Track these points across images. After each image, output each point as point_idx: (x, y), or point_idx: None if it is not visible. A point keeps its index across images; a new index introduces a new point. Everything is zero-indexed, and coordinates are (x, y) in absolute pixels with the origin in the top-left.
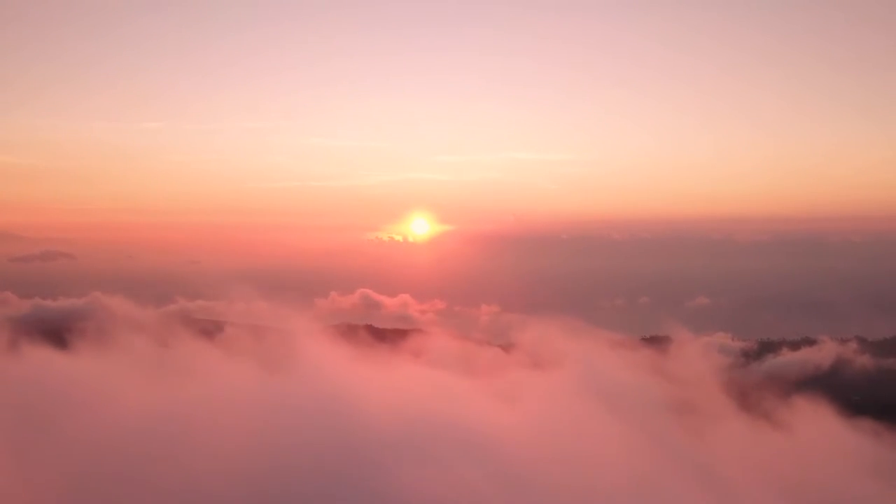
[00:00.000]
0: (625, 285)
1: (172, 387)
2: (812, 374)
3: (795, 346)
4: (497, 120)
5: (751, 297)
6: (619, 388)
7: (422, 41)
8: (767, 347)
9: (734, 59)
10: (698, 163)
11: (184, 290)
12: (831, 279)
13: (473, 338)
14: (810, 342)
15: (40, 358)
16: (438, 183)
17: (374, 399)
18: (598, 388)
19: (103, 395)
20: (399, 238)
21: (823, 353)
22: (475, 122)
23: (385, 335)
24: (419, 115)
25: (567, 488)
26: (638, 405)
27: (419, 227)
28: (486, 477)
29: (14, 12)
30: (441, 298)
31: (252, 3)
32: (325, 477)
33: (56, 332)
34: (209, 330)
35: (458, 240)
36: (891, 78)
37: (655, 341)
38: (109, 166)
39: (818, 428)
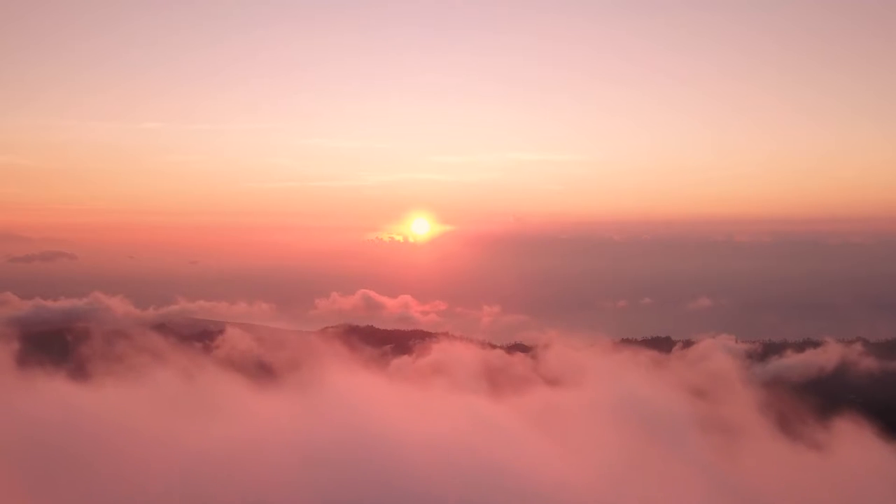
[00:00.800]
0: (627, 286)
1: (200, 421)
2: (816, 376)
3: (799, 347)
4: (497, 120)
5: (753, 298)
6: (649, 407)
7: (422, 41)
8: (772, 349)
9: (735, 61)
10: (699, 164)
11: (185, 290)
12: (832, 281)
13: (489, 345)
14: (814, 344)
15: (62, 391)
16: (438, 183)
17: (410, 431)
18: (629, 408)
19: (131, 432)
20: (399, 238)
21: (828, 355)
22: (475, 123)
23: (388, 336)
24: (419, 115)
25: None
26: (670, 425)
27: (419, 228)
28: None
29: (14, 13)
30: (442, 299)
31: (252, 4)
32: None
33: (58, 333)
34: (211, 331)
35: (459, 240)
36: (891, 79)
37: (659, 342)
38: (110, 166)
39: (856, 449)
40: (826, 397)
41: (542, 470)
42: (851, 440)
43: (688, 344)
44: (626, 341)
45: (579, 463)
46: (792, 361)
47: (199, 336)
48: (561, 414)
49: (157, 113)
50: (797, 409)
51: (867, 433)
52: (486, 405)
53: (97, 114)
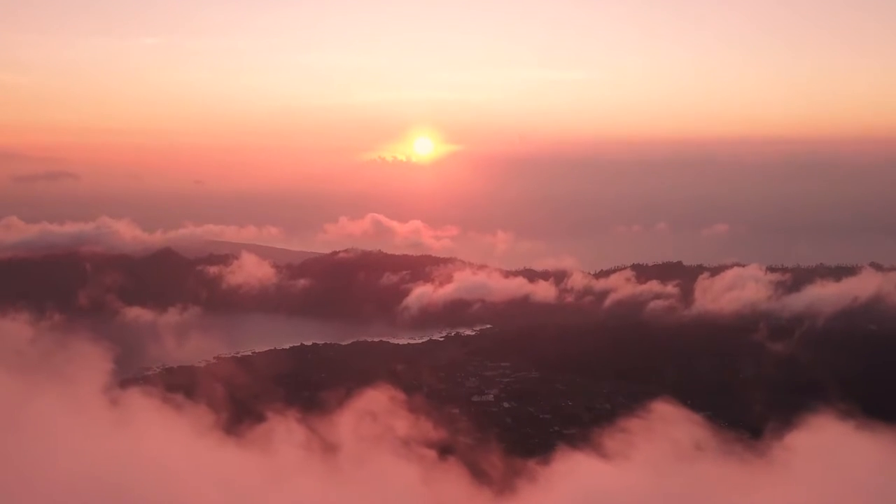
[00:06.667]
0: (640, 210)
1: None
2: (848, 307)
3: (830, 275)
4: (503, 36)
5: (768, 223)
6: None
7: None
8: (802, 278)
9: None
10: (705, 83)
11: (191, 213)
12: (843, 203)
13: (508, 272)
14: (847, 272)
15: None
16: (442, 101)
17: None
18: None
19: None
20: (402, 158)
21: (862, 284)
22: (481, 38)
23: (401, 262)
24: (421, 30)
25: None
26: None
27: (423, 148)
28: None
29: None
30: (454, 224)
31: None
32: None
33: (70, 258)
34: (223, 255)
35: (465, 161)
36: None
37: (674, 269)
38: (109, 84)
39: None
40: (850, 328)
41: None
42: None
43: (714, 272)
44: (640, 267)
45: None
46: (827, 291)
47: (210, 260)
48: None
49: (155, 28)
50: None
51: None
52: None
53: (95, 28)
